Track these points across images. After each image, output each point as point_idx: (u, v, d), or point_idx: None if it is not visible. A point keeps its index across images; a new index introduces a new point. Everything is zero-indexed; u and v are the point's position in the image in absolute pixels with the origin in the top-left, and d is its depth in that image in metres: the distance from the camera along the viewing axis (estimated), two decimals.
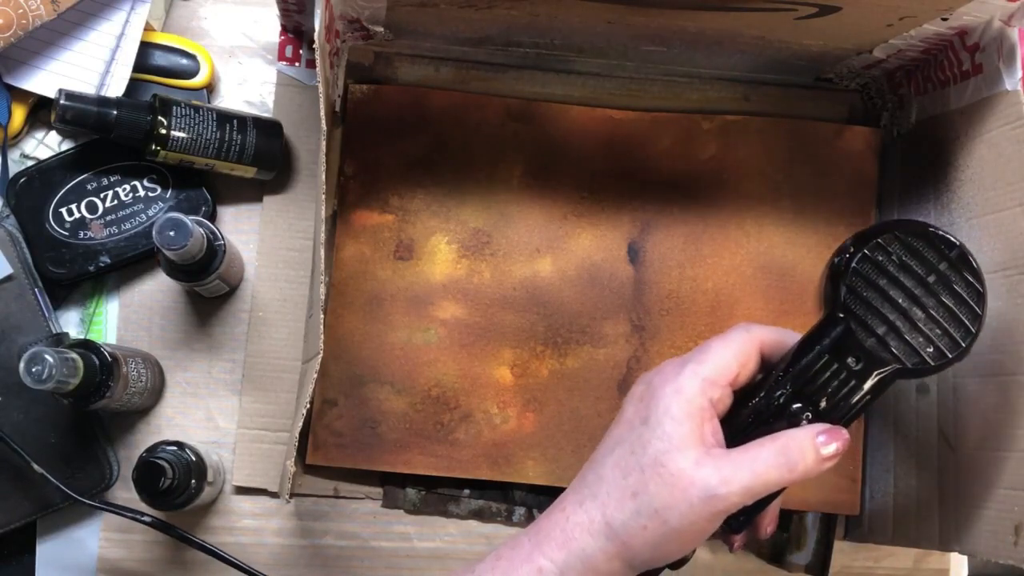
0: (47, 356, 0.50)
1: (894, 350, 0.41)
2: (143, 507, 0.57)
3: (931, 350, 0.41)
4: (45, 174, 0.63)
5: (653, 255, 0.66)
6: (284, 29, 0.67)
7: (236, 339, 0.65)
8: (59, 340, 0.61)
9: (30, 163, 0.64)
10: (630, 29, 0.61)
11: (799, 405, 0.42)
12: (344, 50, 0.65)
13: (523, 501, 0.66)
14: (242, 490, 0.65)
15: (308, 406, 0.52)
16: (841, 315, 0.41)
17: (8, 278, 0.62)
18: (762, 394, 0.42)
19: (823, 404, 0.42)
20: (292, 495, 0.64)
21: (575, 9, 0.58)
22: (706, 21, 0.59)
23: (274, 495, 0.64)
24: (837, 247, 0.43)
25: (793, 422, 0.42)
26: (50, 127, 0.65)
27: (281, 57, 0.67)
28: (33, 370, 0.49)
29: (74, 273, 0.63)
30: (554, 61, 0.67)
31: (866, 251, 0.41)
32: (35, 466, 0.58)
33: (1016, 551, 0.52)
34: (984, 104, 0.58)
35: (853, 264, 0.41)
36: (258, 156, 0.63)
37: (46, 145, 0.65)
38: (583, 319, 0.65)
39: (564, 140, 0.66)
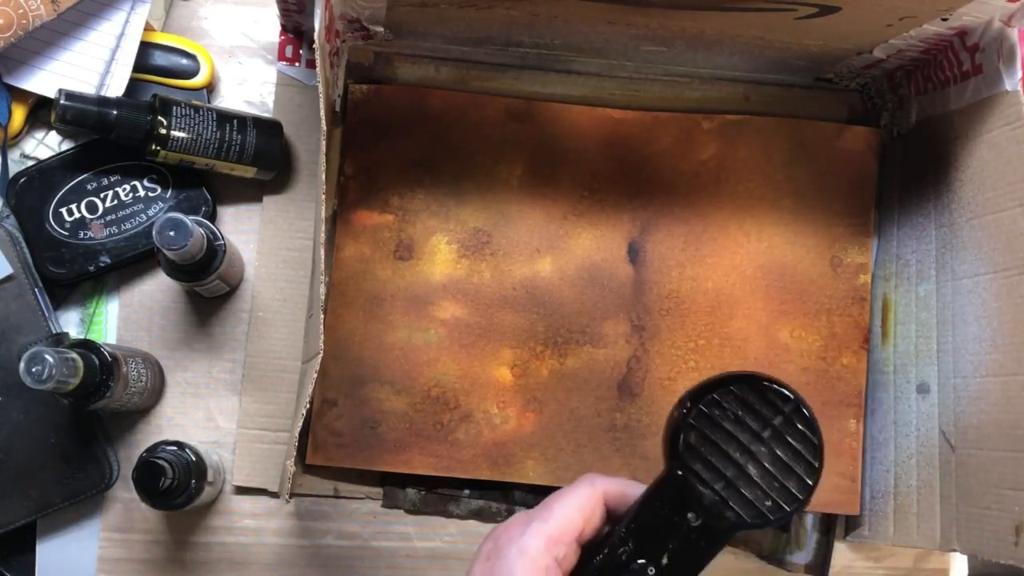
0: (47, 356, 0.50)
1: (732, 505, 0.42)
2: (137, 511, 0.57)
3: (769, 504, 0.42)
4: (45, 174, 0.63)
5: (653, 255, 0.66)
6: (284, 29, 0.67)
7: (236, 339, 0.65)
8: (59, 340, 0.61)
9: (30, 163, 0.64)
10: (630, 29, 0.61)
11: (643, 561, 0.42)
12: (344, 50, 0.65)
13: (523, 501, 0.66)
14: (242, 490, 0.65)
15: (308, 406, 0.52)
16: (679, 471, 0.42)
17: (8, 278, 0.62)
18: (606, 550, 0.43)
19: (665, 560, 0.42)
20: (292, 495, 0.64)
21: (575, 9, 0.58)
22: (706, 21, 0.59)
23: (274, 495, 0.64)
24: (677, 401, 0.43)
25: None
26: (50, 127, 0.65)
27: (281, 57, 0.67)
28: (33, 370, 0.49)
29: (74, 273, 0.63)
30: (554, 61, 0.67)
31: (702, 407, 0.42)
32: None
33: (1016, 551, 0.52)
34: (984, 104, 0.58)
35: (689, 420, 0.42)
36: (258, 156, 0.63)
37: (46, 145, 0.65)
38: (583, 319, 0.65)
39: (564, 140, 0.66)
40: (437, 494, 0.65)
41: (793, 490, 0.42)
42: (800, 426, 0.42)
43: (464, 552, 0.66)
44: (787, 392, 0.42)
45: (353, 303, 0.64)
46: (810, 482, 0.42)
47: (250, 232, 0.66)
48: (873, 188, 0.67)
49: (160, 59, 0.65)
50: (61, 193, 0.63)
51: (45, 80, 0.62)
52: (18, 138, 0.65)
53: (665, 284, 0.66)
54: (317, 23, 0.50)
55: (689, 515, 0.42)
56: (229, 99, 0.67)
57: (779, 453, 0.42)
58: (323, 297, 0.52)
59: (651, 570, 0.42)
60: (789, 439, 0.42)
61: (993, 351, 0.56)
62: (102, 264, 0.63)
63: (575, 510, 0.43)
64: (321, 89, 0.50)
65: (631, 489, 0.45)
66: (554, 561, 0.42)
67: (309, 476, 0.65)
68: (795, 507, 0.42)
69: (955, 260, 0.60)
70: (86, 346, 0.55)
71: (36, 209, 0.63)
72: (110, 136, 0.60)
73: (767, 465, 0.42)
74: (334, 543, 0.65)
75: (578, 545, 0.43)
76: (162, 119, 0.60)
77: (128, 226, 0.63)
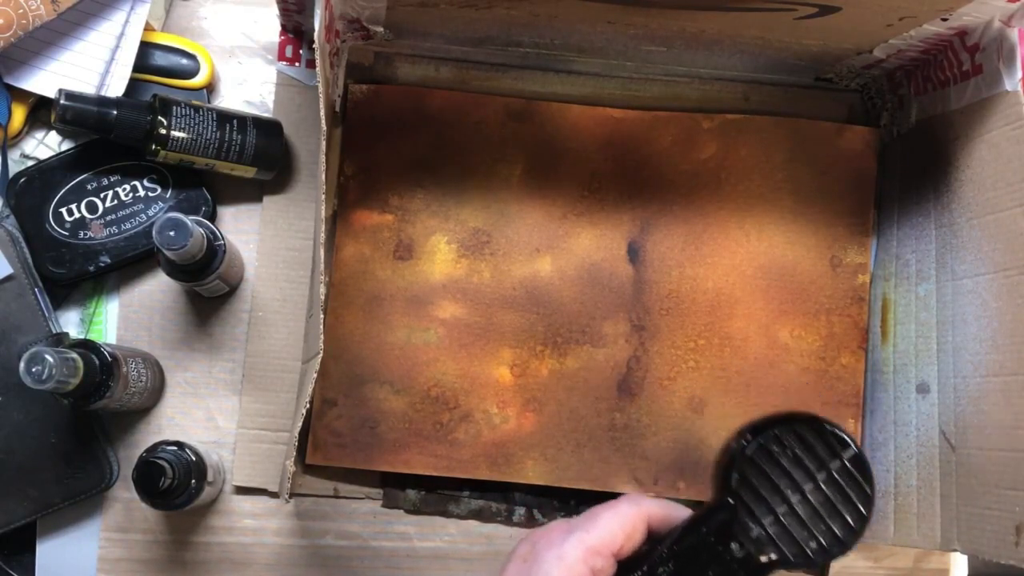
0: (47, 356, 0.50)
1: (777, 541, 0.42)
2: (137, 511, 0.57)
3: (814, 545, 0.42)
4: (45, 174, 0.63)
5: (653, 255, 0.66)
6: (284, 29, 0.67)
7: (236, 339, 0.66)
8: (59, 340, 0.61)
9: (30, 163, 0.64)
10: (630, 29, 0.61)
11: None
12: (344, 50, 0.65)
13: (523, 501, 0.66)
14: (242, 490, 0.65)
15: (308, 406, 0.52)
16: (730, 500, 0.43)
17: (8, 278, 0.62)
18: (645, 567, 0.43)
19: None
20: (292, 495, 0.64)
21: (575, 9, 0.58)
22: (706, 21, 0.59)
23: (274, 495, 0.65)
24: (736, 431, 0.44)
25: None
26: (50, 127, 0.65)
27: (281, 57, 0.67)
28: (33, 370, 0.49)
29: (74, 273, 0.63)
30: (554, 61, 0.67)
31: (761, 441, 0.43)
32: None
33: (1016, 551, 0.52)
34: (984, 104, 0.58)
35: (747, 452, 0.43)
36: (258, 156, 0.63)
37: (46, 145, 0.65)
38: (583, 319, 0.65)
39: (564, 140, 0.66)
40: (437, 494, 0.65)
41: (839, 535, 0.42)
42: (856, 473, 0.42)
43: (464, 552, 0.66)
44: (848, 439, 0.43)
45: (353, 303, 0.64)
46: (857, 529, 0.42)
47: (250, 232, 0.66)
48: (872, 188, 0.67)
49: (160, 59, 0.65)
50: (61, 193, 0.63)
51: (45, 80, 0.62)
52: (18, 138, 0.65)
53: (665, 284, 0.66)
54: (317, 23, 0.50)
55: (733, 545, 0.42)
56: (229, 99, 0.67)
57: (831, 496, 0.42)
58: (323, 297, 0.52)
59: None
60: (843, 485, 0.42)
61: (993, 351, 0.56)
62: (102, 264, 0.63)
63: (617, 526, 0.44)
64: (321, 89, 0.50)
65: (675, 512, 0.45)
66: (591, 572, 0.42)
67: (309, 476, 0.65)
68: (839, 552, 0.42)
69: (955, 260, 0.60)
70: (86, 346, 0.55)
71: (36, 209, 0.63)
72: (110, 136, 0.60)
73: (817, 506, 0.42)
74: (334, 543, 0.65)
75: (615, 560, 0.43)
76: (162, 119, 0.60)
77: (128, 226, 0.63)
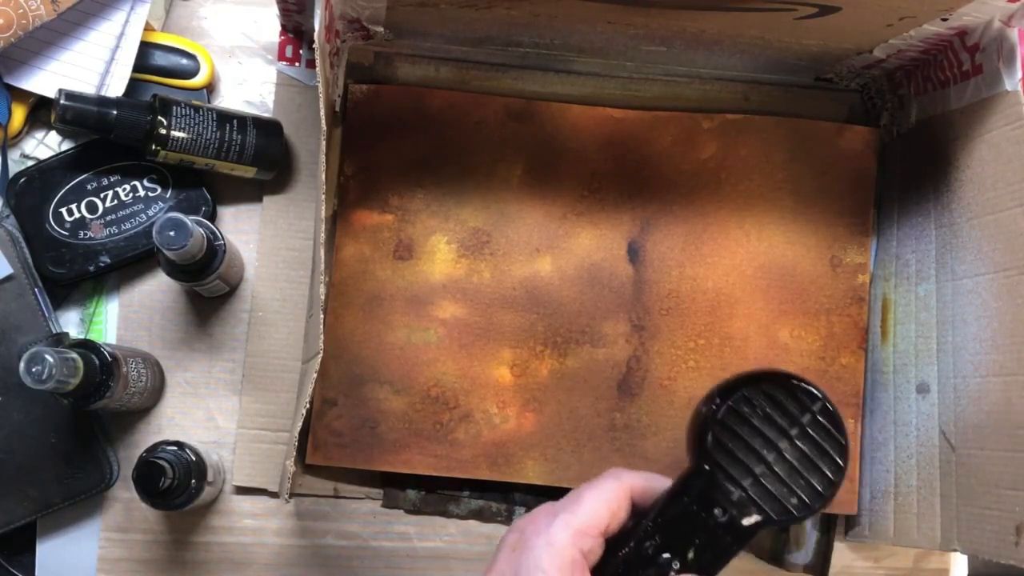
0: (47, 356, 0.50)
1: (758, 501, 0.42)
2: (137, 511, 0.57)
3: (795, 501, 0.42)
4: (45, 174, 0.63)
5: (653, 254, 0.66)
6: (284, 29, 0.67)
7: (236, 339, 0.66)
8: (59, 340, 0.61)
9: (30, 163, 0.64)
10: (630, 29, 0.61)
11: (668, 555, 0.43)
12: (344, 50, 0.65)
13: (523, 501, 0.66)
14: (242, 490, 0.65)
15: (308, 406, 0.52)
16: (707, 467, 0.43)
17: (8, 278, 0.62)
18: (631, 544, 0.43)
19: (691, 555, 0.43)
20: (292, 495, 0.64)
21: (575, 9, 0.58)
22: (706, 21, 0.59)
23: (274, 495, 0.65)
24: (704, 396, 0.44)
25: (662, 572, 0.43)
26: (50, 127, 0.65)
27: (281, 57, 0.67)
28: (33, 370, 0.49)
29: (74, 273, 0.63)
30: (554, 61, 0.67)
31: (731, 403, 0.43)
32: None
33: (1016, 551, 0.52)
34: (984, 104, 0.58)
35: (718, 416, 0.43)
36: (258, 156, 0.63)
37: (46, 145, 0.65)
38: (583, 319, 0.65)
39: (564, 140, 0.66)
40: (437, 494, 0.65)
41: (819, 487, 0.42)
42: (827, 424, 0.42)
43: (464, 552, 0.66)
44: (815, 391, 0.43)
45: (353, 303, 0.64)
46: (835, 480, 0.42)
47: (250, 232, 0.66)
48: (872, 188, 0.67)
49: (160, 59, 0.65)
50: (61, 193, 0.63)
51: (45, 80, 0.62)
52: (18, 138, 0.65)
53: (665, 284, 0.66)
54: (317, 23, 0.50)
55: (716, 511, 0.42)
56: (229, 99, 0.67)
57: (806, 450, 0.42)
58: (323, 297, 0.52)
59: (676, 564, 0.43)
60: (816, 437, 0.42)
61: (993, 351, 0.56)
62: (102, 264, 0.63)
63: (602, 503, 0.43)
64: (321, 89, 0.50)
65: (656, 483, 0.45)
66: (580, 554, 0.42)
67: (309, 476, 0.65)
68: (820, 505, 0.42)
69: (955, 260, 0.60)
70: (86, 346, 0.55)
71: (36, 209, 0.63)
72: (110, 136, 0.60)
73: (794, 462, 0.42)
74: (334, 543, 0.65)
75: (603, 538, 0.43)
76: (162, 119, 0.60)
77: (128, 226, 0.63)
